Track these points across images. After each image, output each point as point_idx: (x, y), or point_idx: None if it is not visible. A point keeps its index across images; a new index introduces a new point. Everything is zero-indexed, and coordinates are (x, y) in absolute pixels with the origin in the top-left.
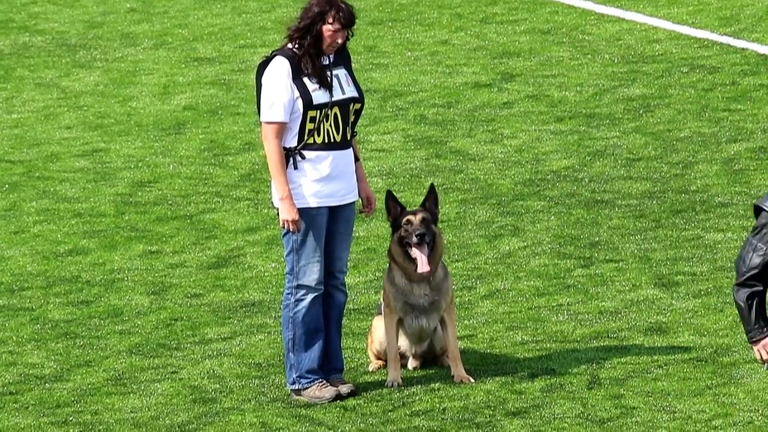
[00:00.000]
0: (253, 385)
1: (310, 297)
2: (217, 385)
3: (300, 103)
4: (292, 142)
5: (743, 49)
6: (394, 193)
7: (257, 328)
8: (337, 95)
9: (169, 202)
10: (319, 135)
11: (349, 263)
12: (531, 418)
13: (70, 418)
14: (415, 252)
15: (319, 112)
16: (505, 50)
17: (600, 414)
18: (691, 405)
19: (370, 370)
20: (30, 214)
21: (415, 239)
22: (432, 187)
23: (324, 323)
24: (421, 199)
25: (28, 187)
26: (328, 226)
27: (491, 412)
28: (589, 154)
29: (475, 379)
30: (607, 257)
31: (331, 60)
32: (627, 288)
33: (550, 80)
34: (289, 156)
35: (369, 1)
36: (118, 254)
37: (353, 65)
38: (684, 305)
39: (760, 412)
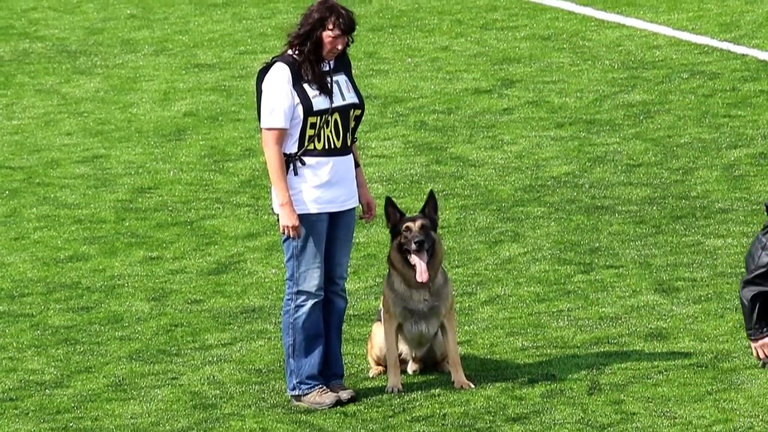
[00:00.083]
0: (254, 391)
1: (310, 303)
2: (218, 391)
3: (300, 110)
4: (292, 148)
5: (743, 55)
6: (394, 200)
7: (257, 334)
8: (338, 101)
9: (170, 208)
10: (319, 141)
11: (349, 269)
12: (531, 424)
13: (71, 425)
14: (414, 259)
15: (319, 118)
16: (506, 56)
17: (600, 420)
18: (691, 411)
19: (371, 375)
20: (30, 220)
21: (414, 246)
22: (431, 193)
23: (324, 329)
24: (422, 205)
25: (28, 194)
26: (328, 232)
27: (491, 418)
28: (589, 160)
29: (475, 384)
30: (607, 263)
31: (332, 66)
32: (627, 294)
33: (550, 86)
34: (290, 162)
35: (369, 7)
36: (119, 260)
37: (353, 71)
38: (684, 311)
39: (761, 417)
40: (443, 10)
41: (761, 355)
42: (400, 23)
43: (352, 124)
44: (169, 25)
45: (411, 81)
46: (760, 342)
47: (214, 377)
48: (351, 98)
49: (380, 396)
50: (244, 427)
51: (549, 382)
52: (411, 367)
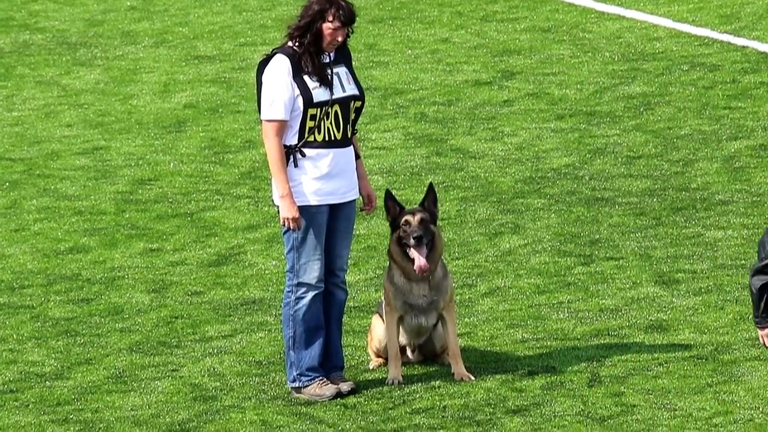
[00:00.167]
0: (254, 383)
1: (310, 295)
2: (218, 383)
3: (300, 101)
4: (292, 140)
5: (744, 46)
6: (393, 193)
7: (258, 326)
8: (338, 93)
9: (170, 199)
10: (319, 133)
11: (349, 261)
12: (531, 416)
13: (71, 416)
14: (413, 252)
15: (319, 110)
16: (506, 48)
17: (600, 412)
18: (691, 403)
19: (371, 367)
20: (30, 212)
21: (412, 241)
22: (431, 186)
23: (324, 321)
24: (422, 197)
25: (28, 185)
26: (328, 224)
27: (492, 410)
28: (589, 152)
29: (475, 376)
30: (607, 255)
31: (332, 58)
32: (627, 286)
33: (550, 78)
34: (290, 154)
35: None
36: (119, 252)
37: (354, 63)
38: (684, 303)
39: (761, 409)
40: (443, 2)
41: (767, 343)
42: (400, 15)
43: (353, 115)
44: (169, 16)
45: (411, 73)
46: (767, 330)
47: (214, 369)
48: (351, 90)
49: (380, 388)
50: (245, 419)
51: (549, 374)
52: (410, 354)
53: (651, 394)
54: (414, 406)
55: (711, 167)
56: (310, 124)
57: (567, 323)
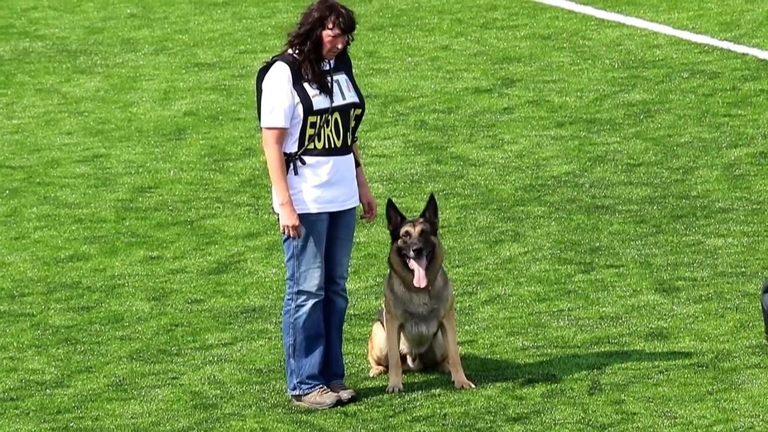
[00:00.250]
0: (254, 391)
1: (310, 303)
2: (218, 391)
3: (300, 109)
4: (292, 147)
5: (743, 54)
6: (395, 201)
7: (258, 334)
8: (338, 101)
9: (170, 207)
10: (319, 140)
11: (349, 269)
12: (532, 424)
13: (71, 424)
14: (413, 264)
15: (319, 117)
16: (506, 55)
17: (601, 420)
18: (692, 411)
19: (371, 375)
20: (30, 219)
21: (412, 253)
22: (432, 196)
23: (325, 329)
24: (422, 204)
25: (28, 193)
26: (328, 232)
27: (492, 418)
28: (589, 160)
29: (475, 384)
30: (607, 263)
31: (332, 65)
32: (628, 293)
33: (550, 85)
34: (290, 161)
35: (369, 6)
36: (119, 260)
37: (354, 71)
38: (685, 311)
39: (761, 417)
40: (443, 9)
41: None
42: (400, 22)
43: (353, 123)
44: (169, 24)
45: (411, 80)
46: None
47: (214, 377)
48: (351, 97)
49: (381, 396)
50: (245, 427)
51: (549, 382)
52: (410, 363)
53: (651, 402)
54: (414, 414)
55: (711, 175)
56: (310, 131)
57: (567, 331)
